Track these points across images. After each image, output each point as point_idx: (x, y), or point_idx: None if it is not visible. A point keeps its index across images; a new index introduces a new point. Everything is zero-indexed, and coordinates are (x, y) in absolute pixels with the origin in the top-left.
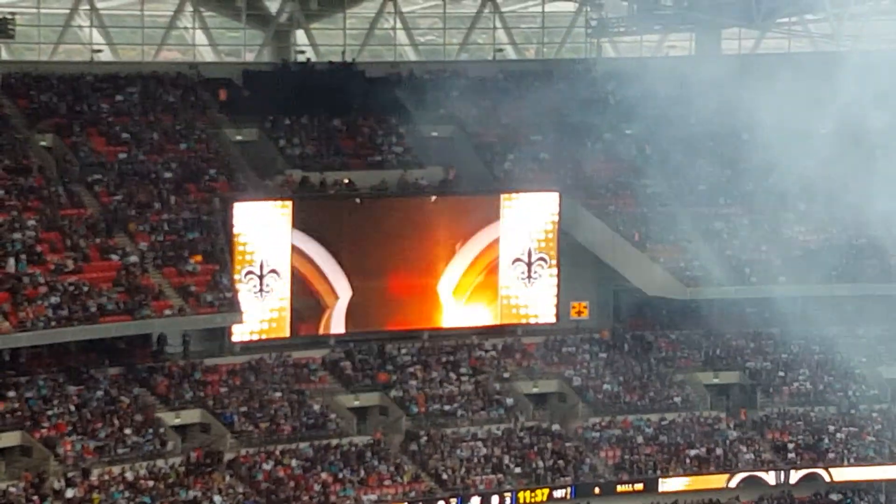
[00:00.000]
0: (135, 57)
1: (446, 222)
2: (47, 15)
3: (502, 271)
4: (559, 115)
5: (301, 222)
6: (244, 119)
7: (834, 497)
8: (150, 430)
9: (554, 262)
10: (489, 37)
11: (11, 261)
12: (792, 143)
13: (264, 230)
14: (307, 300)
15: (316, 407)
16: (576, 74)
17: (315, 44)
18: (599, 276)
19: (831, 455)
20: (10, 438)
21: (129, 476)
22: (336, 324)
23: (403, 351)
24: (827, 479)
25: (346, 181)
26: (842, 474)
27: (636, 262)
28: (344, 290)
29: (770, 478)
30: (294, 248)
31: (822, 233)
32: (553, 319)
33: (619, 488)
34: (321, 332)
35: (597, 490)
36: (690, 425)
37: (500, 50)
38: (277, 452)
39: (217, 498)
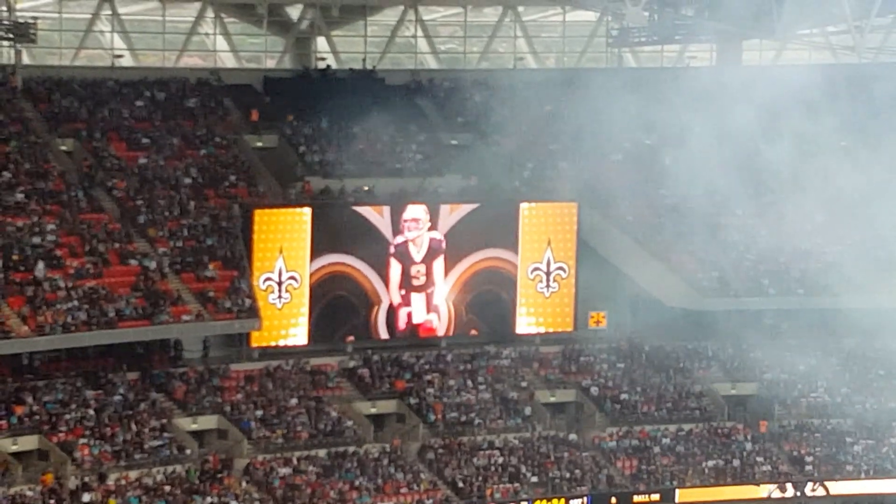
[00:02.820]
0: (156, 62)
1: (467, 230)
2: (69, 20)
3: (520, 280)
4: (579, 125)
5: (324, 229)
6: (264, 125)
7: None
8: (167, 436)
9: (572, 271)
10: (510, 45)
11: (41, 264)
12: (811, 154)
13: (283, 237)
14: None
15: (333, 414)
16: (596, 84)
17: (336, 51)
18: (618, 286)
19: (849, 467)
20: (28, 442)
21: (146, 481)
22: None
23: (421, 359)
24: (844, 491)
25: (366, 188)
26: (859, 487)
27: (654, 272)
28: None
29: (787, 489)
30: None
31: (841, 244)
32: (571, 329)
33: (636, 498)
34: (373, 335)
35: (613, 500)
36: (708, 436)
37: (521, 59)
38: (294, 459)
39: None
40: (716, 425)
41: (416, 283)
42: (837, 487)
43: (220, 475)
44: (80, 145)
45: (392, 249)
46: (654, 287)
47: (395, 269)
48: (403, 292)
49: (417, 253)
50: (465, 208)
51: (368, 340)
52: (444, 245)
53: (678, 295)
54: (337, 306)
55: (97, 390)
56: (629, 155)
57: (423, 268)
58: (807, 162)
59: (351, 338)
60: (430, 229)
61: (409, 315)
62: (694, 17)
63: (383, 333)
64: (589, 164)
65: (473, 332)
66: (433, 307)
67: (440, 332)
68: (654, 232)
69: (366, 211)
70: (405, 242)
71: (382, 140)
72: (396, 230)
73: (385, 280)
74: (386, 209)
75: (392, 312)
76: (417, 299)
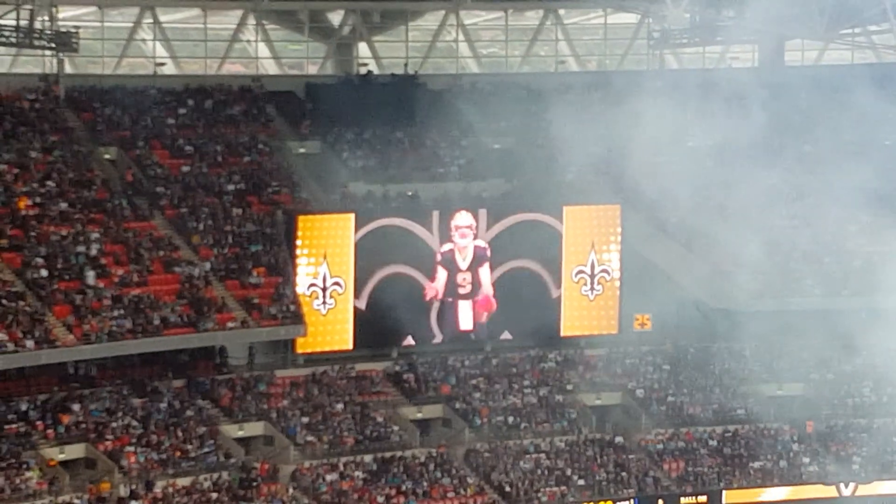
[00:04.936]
0: (198, 70)
1: (510, 238)
2: (111, 28)
3: (565, 283)
4: (621, 127)
5: (371, 245)
6: (307, 132)
7: None
8: (214, 443)
9: (617, 273)
10: (551, 49)
11: (92, 273)
12: (853, 154)
13: (327, 243)
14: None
15: (379, 419)
16: (638, 86)
17: (377, 56)
18: (662, 288)
19: None
20: (75, 451)
21: (193, 488)
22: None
23: (467, 363)
24: (891, 491)
25: (409, 193)
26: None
27: (699, 273)
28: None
29: (834, 490)
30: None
31: (885, 244)
32: (615, 331)
33: (683, 500)
34: (428, 338)
35: (660, 502)
36: (754, 437)
37: (563, 62)
38: (341, 465)
39: None
40: (762, 426)
41: (461, 290)
42: (885, 487)
43: (258, 483)
44: (123, 154)
45: (439, 258)
46: (699, 289)
47: (441, 275)
48: (451, 299)
49: (463, 261)
50: (509, 220)
51: (425, 344)
52: (488, 252)
53: (723, 296)
54: (394, 309)
55: (143, 398)
56: (673, 157)
57: (468, 276)
58: (848, 161)
59: (409, 341)
60: (474, 237)
61: (457, 320)
62: (735, 18)
63: (437, 335)
64: (632, 167)
65: (507, 335)
66: (479, 314)
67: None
68: (699, 233)
69: (409, 224)
70: (451, 251)
71: (425, 145)
72: (444, 238)
73: (434, 284)
74: (435, 215)
75: (441, 316)
76: (464, 306)
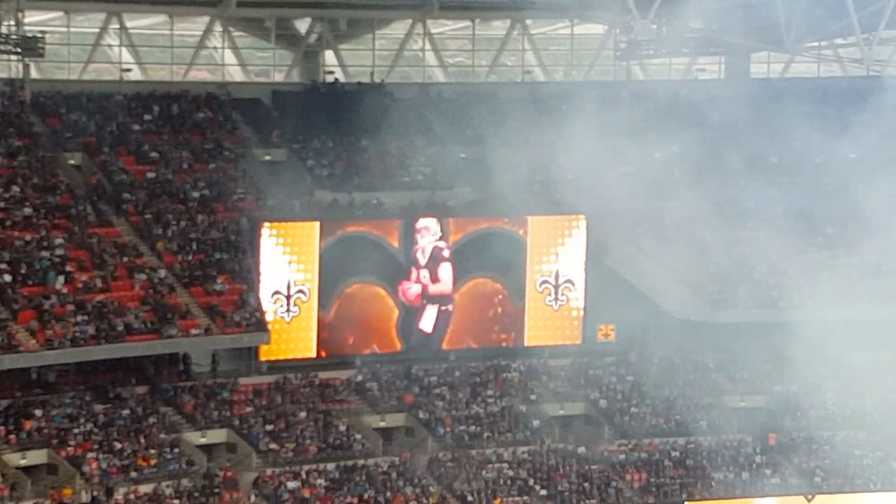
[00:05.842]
0: (164, 76)
1: (473, 249)
2: (77, 34)
3: (529, 293)
4: (588, 138)
5: (338, 256)
6: (273, 139)
7: None
8: (176, 450)
9: (581, 284)
10: (518, 59)
11: (61, 278)
12: (820, 168)
13: (292, 250)
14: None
15: (342, 427)
16: (604, 97)
17: (344, 64)
18: (626, 299)
19: (858, 480)
20: (37, 457)
21: (155, 495)
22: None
23: (430, 372)
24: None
25: (375, 202)
26: (868, 500)
27: (664, 284)
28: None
29: (796, 502)
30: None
31: (850, 257)
32: (579, 341)
33: None
34: (390, 346)
35: None
36: (717, 449)
37: (529, 72)
38: (303, 472)
39: None
40: (725, 438)
41: (425, 287)
42: (847, 500)
43: (220, 490)
44: (88, 159)
45: (404, 260)
46: (664, 299)
47: (412, 274)
48: (418, 303)
49: (423, 258)
50: (475, 229)
51: (386, 354)
52: (444, 253)
53: (688, 307)
54: (357, 317)
55: (106, 404)
56: (639, 167)
57: (426, 273)
58: (819, 174)
59: (373, 348)
60: (438, 240)
61: (419, 319)
62: (702, 30)
63: (399, 343)
64: (596, 178)
65: (472, 344)
66: (442, 316)
67: (449, 344)
68: (664, 244)
69: (375, 232)
70: (415, 250)
71: (391, 153)
72: (409, 244)
73: (397, 290)
74: (400, 223)
75: (406, 322)
76: (430, 309)
